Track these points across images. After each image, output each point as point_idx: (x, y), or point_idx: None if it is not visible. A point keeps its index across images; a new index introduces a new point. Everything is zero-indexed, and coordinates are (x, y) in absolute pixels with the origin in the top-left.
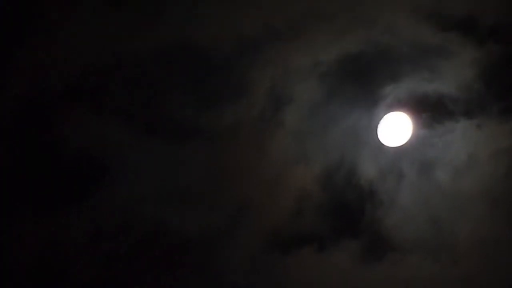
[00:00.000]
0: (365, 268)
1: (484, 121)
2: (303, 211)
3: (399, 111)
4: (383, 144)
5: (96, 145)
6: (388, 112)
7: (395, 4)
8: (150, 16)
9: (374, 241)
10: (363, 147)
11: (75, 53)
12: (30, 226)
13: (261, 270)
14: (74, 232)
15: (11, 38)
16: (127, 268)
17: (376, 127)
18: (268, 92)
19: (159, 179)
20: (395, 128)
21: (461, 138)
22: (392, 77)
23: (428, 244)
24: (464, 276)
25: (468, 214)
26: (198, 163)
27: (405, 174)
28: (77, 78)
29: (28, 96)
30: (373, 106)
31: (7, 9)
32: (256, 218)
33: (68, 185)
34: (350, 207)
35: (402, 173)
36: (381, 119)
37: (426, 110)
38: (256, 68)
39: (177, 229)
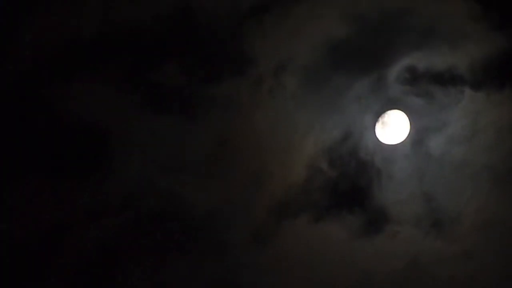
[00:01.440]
0: (362, 241)
1: (489, 96)
2: (306, 182)
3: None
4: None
5: (99, 117)
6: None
7: None
8: None
9: (373, 215)
10: (367, 119)
11: (75, 22)
12: (30, 200)
13: (264, 240)
14: (76, 206)
15: (9, 10)
16: (131, 244)
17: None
18: (273, 62)
19: (165, 152)
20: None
21: (465, 112)
22: (400, 50)
23: (428, 219)
24: (464, 252)
25: (471, 191)
26: (204, 135)
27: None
28: (79, 47)
29: (28, 68)
30: (381, 77)
31: None
32: (261, 190)
33: (71, 158)
34: (351, 180)
35: (404, 148)
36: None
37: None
38: (261, 37)
39: (184, 203)
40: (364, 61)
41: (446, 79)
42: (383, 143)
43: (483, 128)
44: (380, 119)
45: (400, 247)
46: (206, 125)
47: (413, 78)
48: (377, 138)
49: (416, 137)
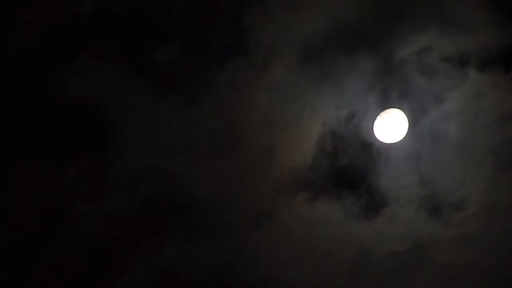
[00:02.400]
0: (362, 222)
1: (493, 78)
2: (309, 163)
3: None
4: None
5: (101, 97)
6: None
7: None
8: None
9: (373, 197)
10: (371, 100)
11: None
12: (30, 178)
13: (267, 219)
14: (77, 187)
15: None
16: (133, 225)
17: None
18: (277, 42)
19: (168, 133)
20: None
21: (468, 94)
22: (407, 31)
23: (429, 203)
24: (464, 236)
25: (473, 175)
26: (208, 115)
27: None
28: (80, 26)
29: (28, 47)
30: (386, 57)
31: None
32: (263, 171)
33: (72, 139)
34: (352, 162)
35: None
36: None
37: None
38: (264, 17)
39: (187, 184)
40: (369, 41)
41: (452, 61)
42: (386, 127)
43: (486, 110)
44: (384, 102)
45: (400, 230)
46: (209, 106)
47: (419, 58)
48: (380, 121)
49: (418, 121)
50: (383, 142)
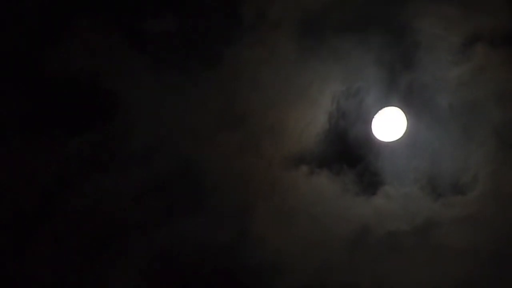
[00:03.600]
0: (361, 198)
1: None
2: (312, 139)
3: None
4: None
5: (103, 73)
6: None
7: None
8: None
9: (375, 174)
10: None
11: None
12: (30, 155)
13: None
14: (77, 163)
15: None
16: (134, 204)
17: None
18: (281, 16)
19: (172, 109)
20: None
21: (473, 74)
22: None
23: (432, 184)
24: (466, 218)
25: (478, 157)
26: (215, 93)
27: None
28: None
29: (26, 20)
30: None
31: None
32: (268, 147)
33: (73, 114)
34: (356, 138)
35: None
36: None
37: None
38: None
39: (191, 162)
40: (375, 15)
41: (456, 38)
42: (391, 103)
43: (490, 89)
44: (390, 76)
45: (401, 210)
46: (214, 82)
47: (426, 31)
48: (384, 96)
49: (422, 100)
50: (386, 121)
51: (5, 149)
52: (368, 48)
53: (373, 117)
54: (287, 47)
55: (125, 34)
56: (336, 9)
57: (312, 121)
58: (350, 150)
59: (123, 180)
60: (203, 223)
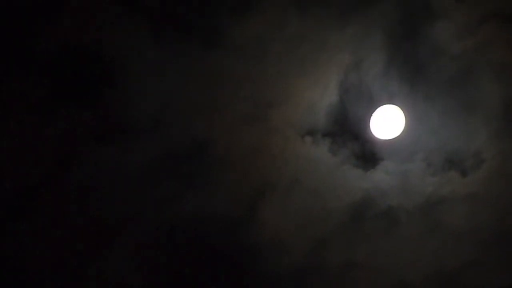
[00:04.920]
0: (362, 172)
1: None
2: (318, 109)
3: None
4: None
5: (102, 42)
6: None
7: None
8: None
9: (377, 149)
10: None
11: None
12: (27, 128)
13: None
14: (79, 134)
15: None
16: (137, 178)
17: None
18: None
19: (179, 85)
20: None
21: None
22: None
23: (437, 161)
24: (470, 195)
25: (482, 136)
26: (220, 65)
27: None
28: None
29: None
30: None
31: None
32: (275, 120)
33: (73, 84)
34: (359, 110)
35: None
36: None
37: None
38: None
39: (194, 137)
40: None
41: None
42: (394, 77)
43: (496, 64)
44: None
45: (402, 186)
46: (220, 53)
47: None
48: (388, 68)
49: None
50: (388, 95)
51: (7, 125)
52: (373, 17)
53: (376, 92)
54: (292, 18)
55: (125, 2)
56: None
57: (318, 93)
58: (353, 124)
59: (128, 153)
60: (208, 196)
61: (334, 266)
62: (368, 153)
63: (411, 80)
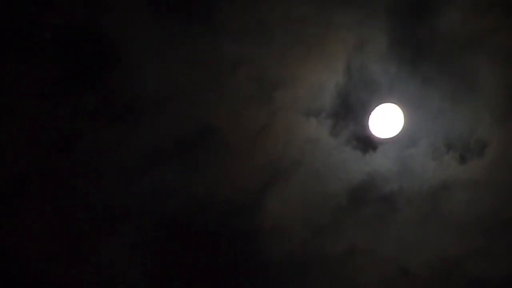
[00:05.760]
0: (363, 154)
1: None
2: (323, 90)
3: None
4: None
5: (111, 22)
6: None
7: None
8: None
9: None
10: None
11: None
12: (34, 113)
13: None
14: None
15: None
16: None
17: None
18: None
19: (184, 69)
20: None
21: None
22: None
23: (439, 143)
24: (471, 180)
25: (486, 120)
26: (227, 46)
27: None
28: None
29: None
30: None
31: None
32: (281, 97)
33: (79, 65)
34: (362, 90)
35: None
36: None
37: None
38: None
39: (200, 119)
40: None
41: None
42: (396, 58)
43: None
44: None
45: (404, 170)
46: (222, 32)
47: None
48: (392, 50)
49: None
50: (391, 76)
51: (9, 109)
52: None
53: (378, 75)
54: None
55: None
56: None
57: (324, 74)
58: (357, 105)
59: (131, 136)
60: (210, 180)
61: (334, 252)
62: (369, 137)
63: (413, 63)
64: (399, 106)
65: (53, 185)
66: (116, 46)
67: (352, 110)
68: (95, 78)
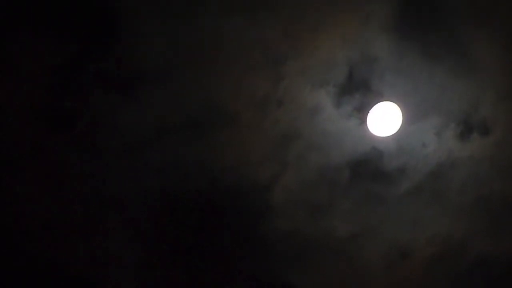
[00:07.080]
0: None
1: None
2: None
3: None
4: None
5: None
6: None
7: None
8: None
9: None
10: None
11: None
12: (32, 77)
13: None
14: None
15: None
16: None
17: None
18: None
19: (187, 37)
20: None
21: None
22: None
23: (439, 122)
24: (476, 159)
25: (489, 100)
26: (233, 21)
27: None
28: None
29: None
30: None
31: None
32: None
33: (82, 35)
34: (366, 70)
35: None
36: None
37: None
38: None
39: (205, 93)
40: None
41: None
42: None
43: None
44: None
45: (404, 148)
46: (228, 8)
47: None
48: (396, 34)
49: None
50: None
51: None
52: None
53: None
54: None
55: None
56: None
57: (333, 48)
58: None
59: (138, 107)
60: (212, 146)
61: (337, 232)
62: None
63: (417, 36)
64: (402, 84)
65: (54, 160)
66: (121, 17)
67: (357, 85)
68: (99, 49)
